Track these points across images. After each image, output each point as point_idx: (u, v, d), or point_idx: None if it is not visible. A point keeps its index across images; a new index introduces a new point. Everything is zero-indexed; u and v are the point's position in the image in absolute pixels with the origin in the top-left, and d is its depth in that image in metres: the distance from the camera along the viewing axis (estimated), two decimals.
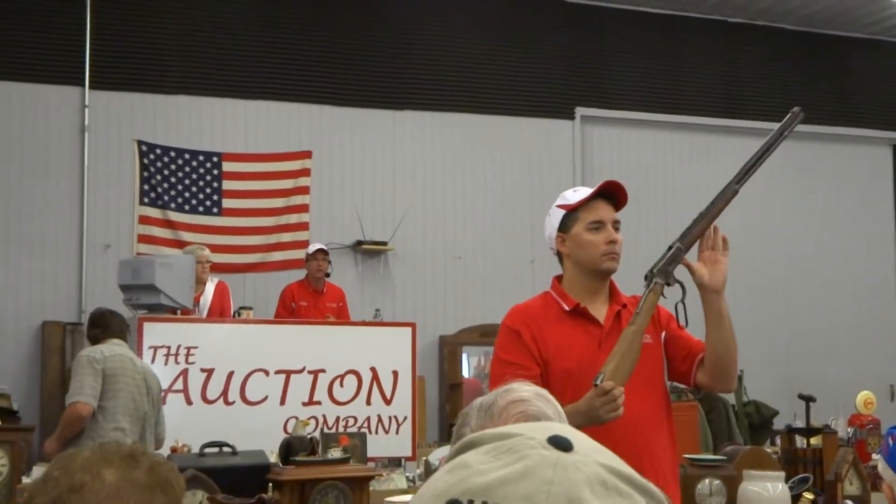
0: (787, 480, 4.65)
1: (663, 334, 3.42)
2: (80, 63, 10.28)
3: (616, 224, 3.40)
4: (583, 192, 3.43)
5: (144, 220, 10.43)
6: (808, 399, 6.14)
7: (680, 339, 3.41)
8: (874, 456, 6.20)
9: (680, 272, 3.32)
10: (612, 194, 3.41)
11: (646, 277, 3.31)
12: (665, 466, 3.33)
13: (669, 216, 11.47)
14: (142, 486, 1.67)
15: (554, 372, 3.29)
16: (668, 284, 3.30)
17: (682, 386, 3.57)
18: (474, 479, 0.83)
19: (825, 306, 12.57)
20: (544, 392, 2.20)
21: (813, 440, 5.66)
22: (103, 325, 6.50)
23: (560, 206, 3.42)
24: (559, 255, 3.46)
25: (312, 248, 9.91)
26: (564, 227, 3.40)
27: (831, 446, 5.45)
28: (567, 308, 3.37)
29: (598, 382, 3.07)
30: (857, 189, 13.01)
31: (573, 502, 0.81)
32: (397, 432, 8.38)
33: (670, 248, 3.32)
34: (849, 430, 6.91)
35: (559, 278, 3.49)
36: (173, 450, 6.61)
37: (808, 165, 12.85)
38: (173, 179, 10.55)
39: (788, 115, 3.42)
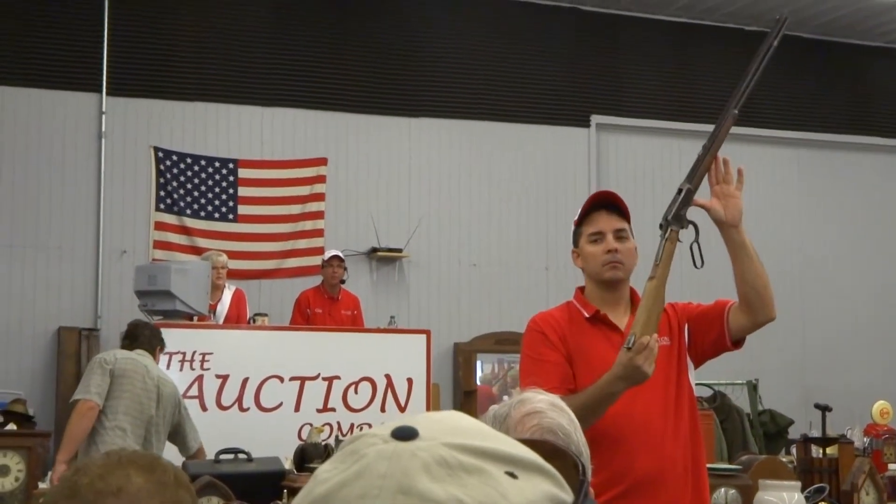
0: (802, 490, 4.64)
1: (686, 328, 3.39)
2: (98, 70, 10.32)
3: (620, 232, 3.39)
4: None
5: (160, 226, 10.46)
6: (823, 409, 6.13)
7: (702, 313, 3.39)
8: (890, 466, 6.19)
9: (693, 212, 3.25)
10: (612, 204, 3.43)
11: (660, 227, 3.27)
12: (679, 470, 3.29)
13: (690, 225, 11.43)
14: (172, 487, 1.70)
15: (576, 377, 3.30)
16: (683, 228, 3.26)
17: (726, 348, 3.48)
18: (317, 489, 0.84)
19: (841, 315, 12.53)
20: (558, 401, 2.19)
21: (829, 450, 5.64)
22: (132, 337, 6.57)
23: (574, 223, 3.48)
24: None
25: (328, 254, 9.92)
26: (575, 242, 3.47)
27: (847, 456, 5.43)
28: (587, 315, 3.39)
29: (631, 345, 3.03)
30: (873, 197, 12.97)
31: (405, 491, 0.80)
32: None
33: (679, 190, 3.27)
34: (865, 439, 6.90)
35: (582, 289, 3.51)
36: (188, 456, 6.62)
37: (823, 173, 12.82)
38: (189, 186, 10.58)
39: (775, 22, 3.33)
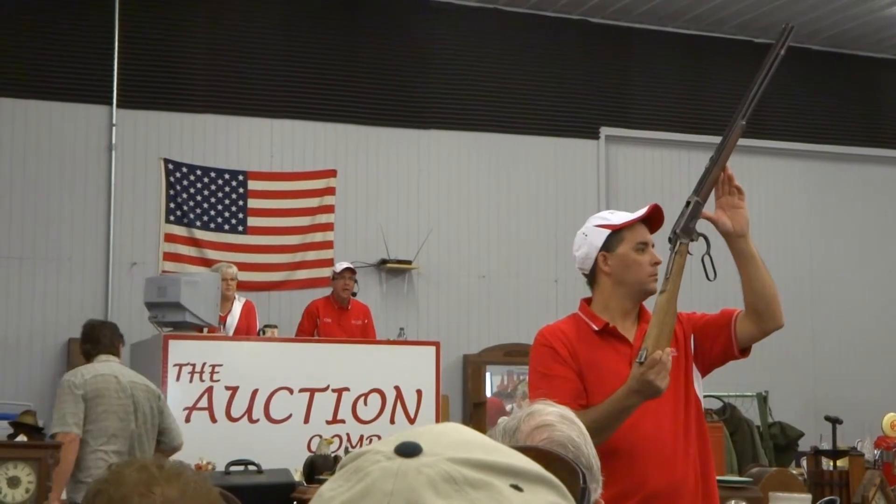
0: (813, 503, 4.63)
1: (692, 337, 3.39)
2: (108, 82, 10.35)
3: (653, 247, 3.42)
4: (622, 214, 3.45)
5: (170, 238, 10.47)
6: (834, 421, 6.12)
7: (708, 322, 3.39)
8: None
9: (702, 225, 3.28)
10: (649, 218, 3.44)
11: (669, 240, 3.29)
12: (691, 484, 3.29)
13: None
14: (216, 492, 1.72)
15: (588, 391, 3.29)
16: (693, 240, 3.28)
17: (726, 360, 3.50)
18: None
19: (852, 327, 12.49)
20: (568, 413, 2.18)
21: (839, 462, 5.63)
22: (93, 341, 6.30)
23: (602, 226, 3.42)
24: (593, 275, 3.44)
25: (340, 266, 9.90)
26: (609, 246, 3.39)
27: (858, 468, 5.42)
28: (596, 328, 3.37)
29: (643, 359, 3.05)
30: (884, 209, 12.94)
31: None
32: None
33: (688, 203, 3.30)
34: (875, 452, 6.87)
35: (587, 300, 3.48)
36: (198, 467, 6.62)
37: (835, 185, 12.80)
38: (199, 198, 10.60)
39: (780, 32, 3.36)
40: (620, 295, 3.40)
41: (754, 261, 3.25)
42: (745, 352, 3.36)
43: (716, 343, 3.36)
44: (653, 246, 3.42)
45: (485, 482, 0.83)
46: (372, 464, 0.84)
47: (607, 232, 3.40)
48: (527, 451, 0.93)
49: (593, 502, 1.85)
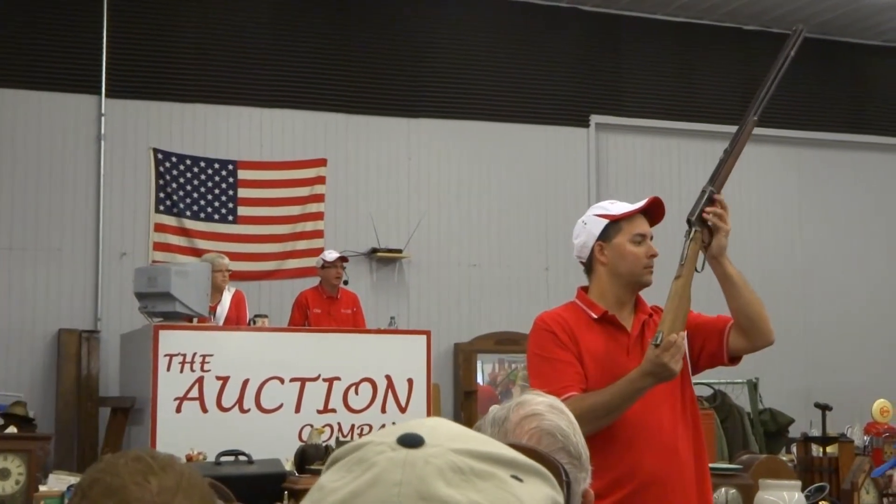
0: (803, 489, 4.64)
1: (685, 334, 3.41)
2: (97, 71, 10.32)
3: (651, 239, 3.44)
4: (622, 205, 3.47)
5: (160, 227, 10.45)
6: (824, 408, 6.14)
7: (701, 324, 3.42)
8: None
9: None
10: (650, 211, 3.46)
11: (687, 222, 3.37)
12: (689, 471, 3.31)
13: (685, 224, 11.43)
14: (199, 483, 1.72)
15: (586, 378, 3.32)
16: (707, 229, 3.35)
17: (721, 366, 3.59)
18: (327, 499, 0.84)
19: (841, 314, 12.52)
20: (557, 403, 2.18)
21: (829, 449, 5.65)
22: None
23: (601, 216, 3.43)
24: (589, 264, 3.46)
25: (332, 255, 9.86)
26: (606, 236, 3.41)
27: (847, 455, 5.44)
28: (595, 316, 3.39)
29: (659, 341, 3.09)
30: (872, 196, 12.97)
31: (425, 497, 0.81)
32: None
33: (703, 192, 3.38)
34: (865, 438, 6.90)
35: (585, 289, 3.49)
36: (189, 458, 6.62)
37: (822, 172, 12.82)
38: (189, 187, 10.58)
39: (792, 33, 3.47)
40: (615, 285, 3.42)
41: (733, 281, 3.32)
42: (734, 360, 3.41)
43: (706, 346, 3.40)
44: (651, 238, 3.43)
45: (489, 472, 0.84)
46: (376, 454, 0.85)
47: (605, 221, 3.43)
48: (514, 448, 0.93)
49: (582, 491, 1.86)
